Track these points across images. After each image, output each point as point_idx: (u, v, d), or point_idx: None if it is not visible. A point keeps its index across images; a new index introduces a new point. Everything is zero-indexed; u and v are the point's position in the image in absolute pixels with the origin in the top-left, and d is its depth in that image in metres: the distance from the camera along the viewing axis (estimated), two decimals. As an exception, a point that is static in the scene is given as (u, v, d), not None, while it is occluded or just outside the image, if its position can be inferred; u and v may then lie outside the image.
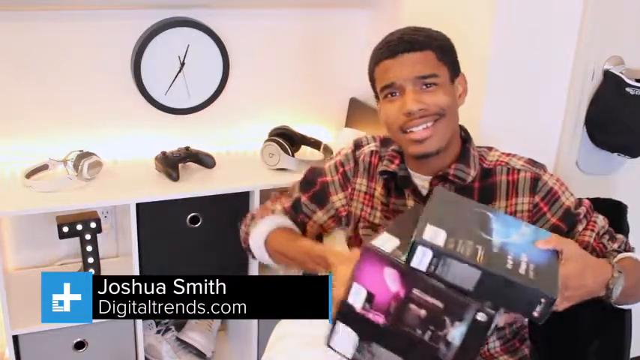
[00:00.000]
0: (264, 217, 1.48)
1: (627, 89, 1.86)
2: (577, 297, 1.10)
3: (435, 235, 0.99)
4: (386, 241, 1.02)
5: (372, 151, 1.45)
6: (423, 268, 0.97)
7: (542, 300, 0.95)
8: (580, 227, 1.30)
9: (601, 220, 1.32)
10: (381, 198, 1.40)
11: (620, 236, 1.32)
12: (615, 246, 1.29)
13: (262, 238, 1.43)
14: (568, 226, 1.29)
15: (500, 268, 0.96)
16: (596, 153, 1.97)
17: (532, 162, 1.34)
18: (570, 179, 1.91)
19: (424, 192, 1.35)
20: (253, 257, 1.51)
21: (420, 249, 0.97)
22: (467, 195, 1.29)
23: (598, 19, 1.78)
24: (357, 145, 1.49)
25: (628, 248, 1.31)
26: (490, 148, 1.39)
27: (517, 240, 1.05)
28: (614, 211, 1.46)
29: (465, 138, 1.37)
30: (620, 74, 1.87)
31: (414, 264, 0.97)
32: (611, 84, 1.88)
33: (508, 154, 1.36)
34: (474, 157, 1.34)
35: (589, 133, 1.93)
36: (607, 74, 1.89)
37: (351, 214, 1.47)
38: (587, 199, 1.35)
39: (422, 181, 1.36)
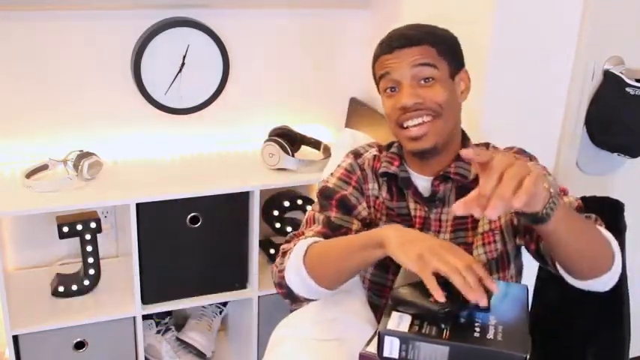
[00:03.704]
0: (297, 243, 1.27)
1: (627, 89, 1.86)
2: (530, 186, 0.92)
3: (399, 321, 1.01)
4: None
5: (374, 156, 1.42)
6: (395, 355, 1.00)
7: None
8: None
9: (574, 201, 1.26)
10: (386, 202, 1.37)
11: (592, 215, 1.25)
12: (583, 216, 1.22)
13: (301, 251, 1.22)
14: None
15: (467, 339, 0.98)
16: (596, 153, 1.97)
17: (522, 151, 1.35)
18: (570, 179, 1.92)
19: (426, 193, 1.34)
20: (292, 299, 1.26)
21: (387, 339, 0.99)
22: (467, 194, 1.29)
23: (598, 19, 1.78)
24: (357, 154, 1.44)
25: (598, 223, 1.24)
26: (487, 145, 1.39)
27: None
28: (610, 210, 1.46)
29: (463, 136, 1.37)
30: (620, 74, 1.87)
31: (386, 354, 1.00)
32: (611, 84, 1.88)
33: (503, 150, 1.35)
34: None
35: (589, 133, 1.93)
36: (607, 74, 1.89)
37: (370, 220, 1.40)
38: (584, 197, 1.34)
39: (424, 182, 1.35)
